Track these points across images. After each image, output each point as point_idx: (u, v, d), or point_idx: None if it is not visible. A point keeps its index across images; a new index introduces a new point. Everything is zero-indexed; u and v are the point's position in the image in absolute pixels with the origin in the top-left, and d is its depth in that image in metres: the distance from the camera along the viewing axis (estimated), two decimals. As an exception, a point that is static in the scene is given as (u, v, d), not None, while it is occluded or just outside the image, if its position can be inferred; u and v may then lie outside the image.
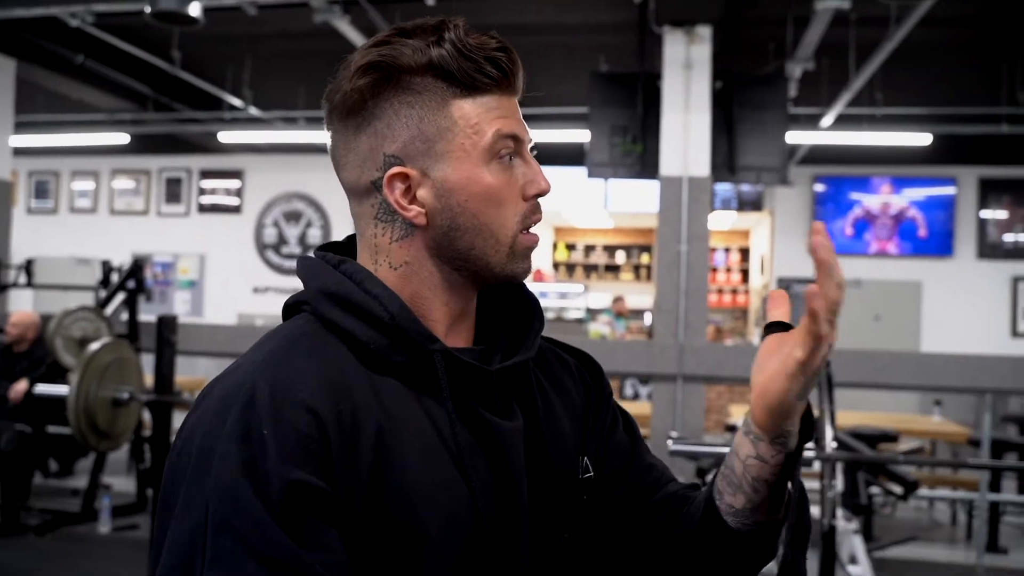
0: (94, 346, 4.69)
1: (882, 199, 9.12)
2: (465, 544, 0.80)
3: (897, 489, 4.25)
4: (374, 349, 0.82)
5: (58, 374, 5.33)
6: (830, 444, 2.47)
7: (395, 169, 0.83)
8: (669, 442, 2.46)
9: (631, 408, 5.10)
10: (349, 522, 0.75)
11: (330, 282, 0.85)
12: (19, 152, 8.17)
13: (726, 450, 3.10)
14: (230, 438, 0.73)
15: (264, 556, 0.69)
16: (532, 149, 0.89)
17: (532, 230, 0.89)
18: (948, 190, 9.00)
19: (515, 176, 0.86)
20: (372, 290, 0.83)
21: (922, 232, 9.04)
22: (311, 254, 0.90)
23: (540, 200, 0.88)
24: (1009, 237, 8.91)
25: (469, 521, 0.80)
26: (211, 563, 0.70)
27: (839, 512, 3.90)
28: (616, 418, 1.02)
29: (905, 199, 9.09)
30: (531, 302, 0.95)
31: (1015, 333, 8.82)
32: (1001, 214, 8.94)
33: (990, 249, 8.94)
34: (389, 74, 0.82)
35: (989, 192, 8.96)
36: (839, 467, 4.39)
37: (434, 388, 0.83)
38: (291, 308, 0.89)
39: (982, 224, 8.97)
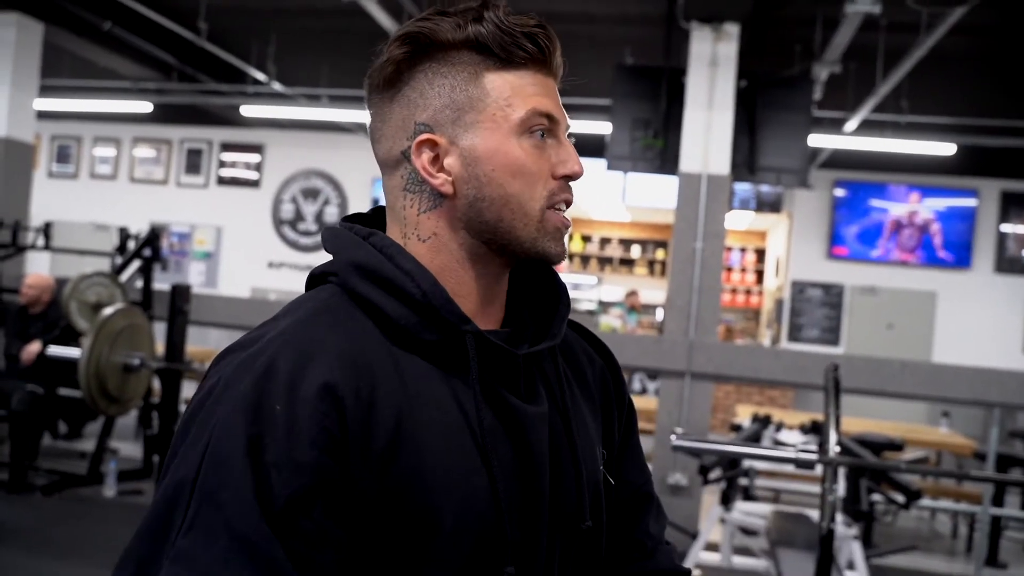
0: (107, 311, 4.73)
1: (904, 208, 9.06)
2: (481, 532, 0.78)
3: (899, 497, 4.24)
4: (404, 326, 0.80)
5: (71, 337, 5.37)
6: (833, 448, 2.47)
7: (424, 136, 0.83)
8: (673, 437, 2.47)
9: (638, 402, 5.09)
10: (360, 504, 0.74)
11: (361, 254, 0.83)
12: (42, 116, 8.22)
13: (728, 449, 3.08)
14: (238, 408, 0.72)
15: (238, 537, 0.68)
16: (568, 135, 0.88)
17: (564, 211, 0.88)
18: (969, 202, 8.93)
19: (547, 154, 0.85)
20: (404, 265, 0.82)
21: (940, 243, 8.98)
22: (338, 225, 0.89)
23: (574, 173, 0.87)
24: (1028, 252, 8.85)
25: (487, 509, 0.79)
26: (187, 529, 0.69)
27: (839, 517, 3.91)
28: (629, 432, 1.03)
29: (926, 209, 9.03)
30: (559, 287, 0.93)
31: (1028, 349, 8.76)
32: (1021, 229, 8.86)
33: (1008, 263, 8.87)
34: (425, 46, 0.83)
35: (1011, 206, 8.88)
36: (841, 472, 4.39)
37: (462, 369, 0.81)
38: (317, 278, 0.87)
39: (1002, 238, 8.90)
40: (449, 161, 0.83)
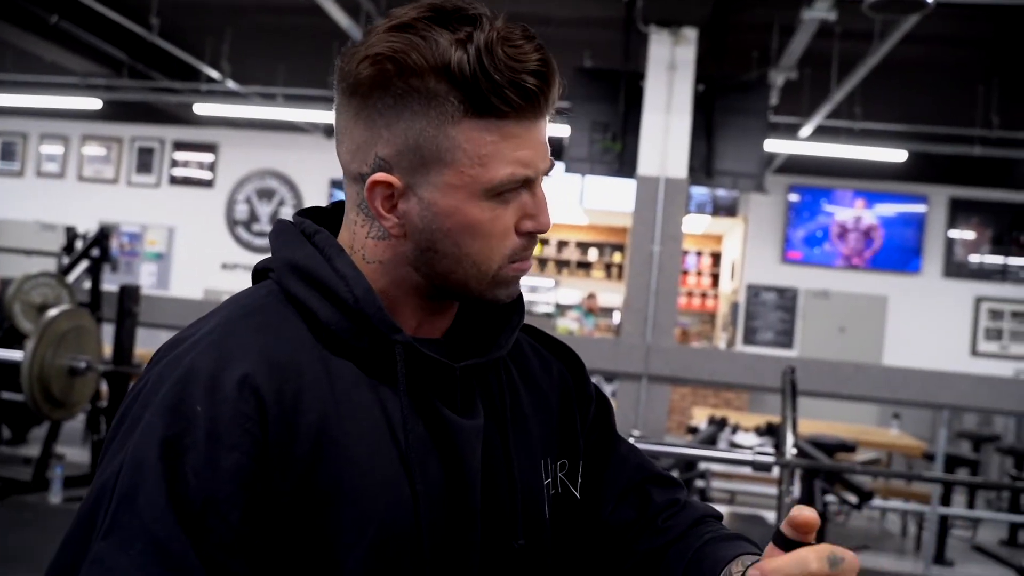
0: (52, 312, 4.60)
1: (854, 213, 9.22)
2: (402, 546, 0.76)
3: (852, 498, 4.30)
4: (335, 331, 0.77)
5: (15, 339, 5.22)
6: (790, 451, 2.48)
7: (380, 176, 0.76)
8: (629, 440, 2.46)
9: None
10: (278, 510, 0.71)
11: (299, 254, 0.80)
12: (-13, 111, 8.02)
13: (685, 451, 3.08)
14: (158, 411, 0.70)
15: (152, 540, 0.67)
16: (547, 174, 0.80)
17: (524, 261, 0.82)
18: (919, 208, 9.12)
19: (512, 208, 0.78)
20: (340, 268, 0.78)
21: (890, 247, 9.15)
22: (290, 218, 0.85)
23: (540, 230, 0.80)
24: (975, 257, 9.06)
25: (409, 522, 0.76)
26: (106, 533, 0.68)
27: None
28: (600, 425, 0.99)
29: (874, 214, 9.20)
30: (515, 297, 0.89)
31: (975, 352, 8.97)
32: (969, 234, 9.08)
33: (956, 268, 9.08)
34: (399, 71, 0.73)
35: (959, 212, 9.10)
36: (796, 474, 4.44)
37: (393, 379, 0.78)
38: (259, 273, 0.84)
39: (950, 243, 9.11)
40: (403, 207, 0.78)
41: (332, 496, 0.73)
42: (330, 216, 0.88)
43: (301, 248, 0.80)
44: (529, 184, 0.78)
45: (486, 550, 0.82)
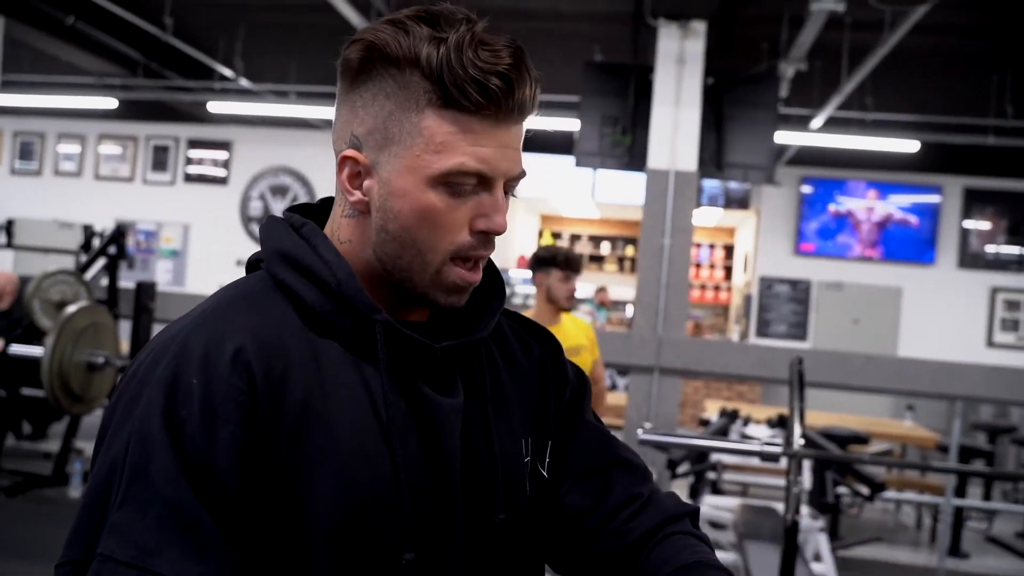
0: (71, 309, 4.67)
1: (867, 204, 9.19)
2: (383, 517, 0.79)
3: (864, 490, 4.31)
4: (319, 312, 0.82)
5: (35, 336, 5.29)
6: (797, 441, 2.50)
7: (350, 152, 0.83)
8: (639, 431, 2.49)
9: (608, 398, 5.12)
10: (268, 478, 0.76)
11: (286, 243, 0.85)
12: (4, 111, 8.09)
13: (693, 442, 3.12)
14: (157, 385, 0.75)
15: (168, 505, 0.71)
16: (516, 180, 0.84)
17: (471, 270, 0.84)
18: (933, 198, 9.07)
19: (468, 205, 0.81)
20: (324, 254, 0.83)
21: (905, 239, 9.11)
22: (279, 214, 0.90)
23: (492, 230, 0.82)
24: (991, 248, 9.01)
25: (391, 494, 0.80)
26: (121, 504, 0.72)
27: (802, 509, 3.96)
28: (575, 406, 1.01)
29: (890, 205, 9.16)
30: (497, 283, 0.94)
31: (991, 343, 8.93)
32: (984, 225, 9.02)
33: (971, 259, 9.03)
34: (380, 57, 0.80)
35: (973, 202, 9.04)
36: (807, 465, 4.45)
37: (375, 357, 0.82)
38: (252, 265, 0.90)
39: (965, 234, 9.05)
40: (367, 183, 0.83)
41: (315, 468, 0.77)
42: (318, 212, 0.93)
43: (288, 238, 0.85)
44: (487, 184, 0.82)
45: (467, 524, 0.86)
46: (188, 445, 0.73)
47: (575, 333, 3.63)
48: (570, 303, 3.55)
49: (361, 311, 0.82)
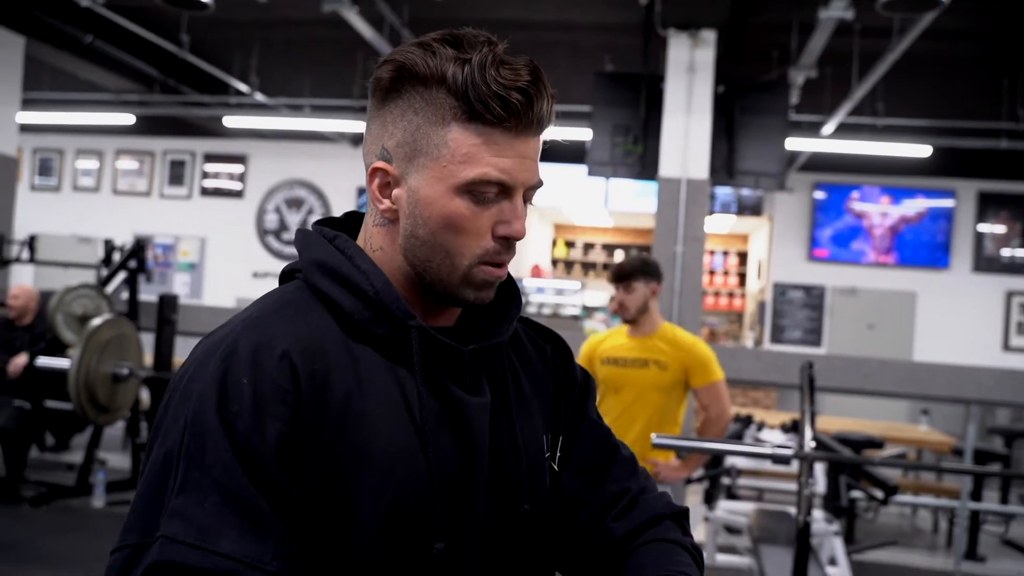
0: (96, 321, 4.76)
1: (880, 209, 9.19)
2: (416, 508, 0.85)
3: (878, 493, 4.32)
4: (357, 320, 0.88)
5: (58, 350, 5.38)
6: (808, 444, 2.54)
7: (380, 163, 0.89)
8: (654, 436, 2.53)
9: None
10: (311, 471, 0.81)
11: (323, 254, 0.91)
12: (24, 129, 8.21)
13: (705, 446, 3.13)
14: (210, 381, 0.80)
15: (226, 492, 0.76)
16: (534, 189, 0.90)
17: (497, 267, 0.90)
18: (947, 202, 9.06)
19: (490, 212, 0.88)
20: (361, 265, 0.89)
21: (918, 243, 9.10)
22: (309, 227, 0.96)
23: (513, 235, 0.88)
24: (1005, 251, 8.98)
25: (424, 488, 0.85)
26: (179, 490, 0.77)
27: (817, 513, 3.98)
28: (580, 403, 1.07)
29: (904, 210, 9.15)
30: (514, 291, 1.01)
31: (1007, 347, 8.89)
32: (999, 228, 9.00)
33: (986, 263, 9.00)
34: (409, 76, 0.86)
35: (987, 206, 9.02)
36: (820, 469, 4.47)
37: (408, 361, 0.89)
38: (287, 275, 0.96)
39: (979, 237, 9.03)
40: (396, 192, 0.89)
41: (355, 464, 0.83)
42: (343, 225, 0.99)
43: (325, 249, 0.92)
44: (508, 192, 0.88)
45: (493, 515, 0.92)
46: (240, 437, 0.78)
47: (651, 347, 3.50)
48: (618, 313, 3.65)
49: (398, 317, 0.88)
